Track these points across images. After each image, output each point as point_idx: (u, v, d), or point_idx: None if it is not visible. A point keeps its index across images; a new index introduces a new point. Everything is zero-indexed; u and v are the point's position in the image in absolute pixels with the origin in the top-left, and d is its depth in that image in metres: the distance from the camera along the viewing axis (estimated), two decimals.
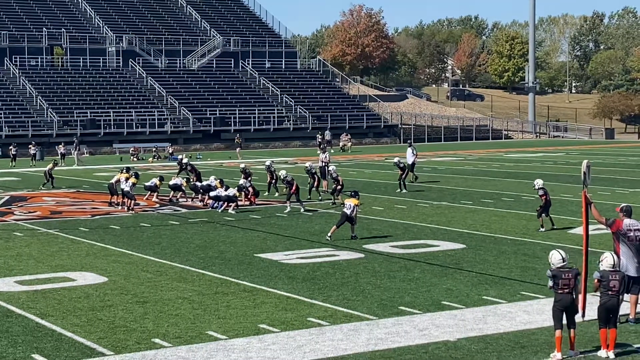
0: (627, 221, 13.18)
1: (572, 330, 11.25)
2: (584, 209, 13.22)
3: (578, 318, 12.27)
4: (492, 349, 11.67)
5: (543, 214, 22.56)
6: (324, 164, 34.26)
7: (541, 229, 22.19)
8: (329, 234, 21.29)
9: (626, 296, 12.91)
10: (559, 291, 11.23)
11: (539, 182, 23.23)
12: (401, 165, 33.36)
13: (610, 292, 11.43)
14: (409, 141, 45.05)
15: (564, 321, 11.22)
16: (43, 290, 15.65)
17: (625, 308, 12.89)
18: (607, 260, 11.68)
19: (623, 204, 13.68)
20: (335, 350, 11.65)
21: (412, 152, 37.70)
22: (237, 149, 59.45)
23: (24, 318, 13.66)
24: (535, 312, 13.46)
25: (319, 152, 62.65)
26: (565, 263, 11.36)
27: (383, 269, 17.33)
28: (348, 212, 21.09)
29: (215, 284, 16.12)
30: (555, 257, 11.41)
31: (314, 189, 31.21)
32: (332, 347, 11.82)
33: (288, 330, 12.67)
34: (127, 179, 28.56)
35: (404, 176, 33.43)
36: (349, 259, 18.52)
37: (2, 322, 13.39)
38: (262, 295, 15.09)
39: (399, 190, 32.56)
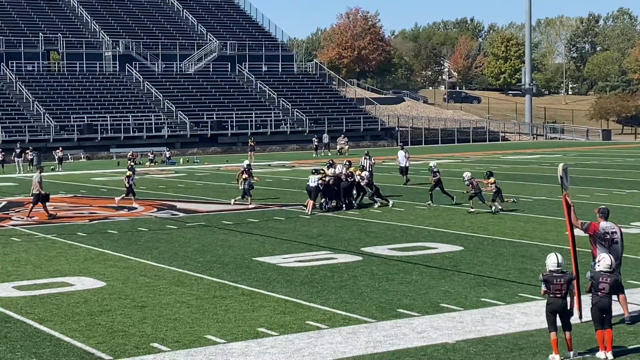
0: (603, 224, 13.15)
1: (567, 332, 11.24)
2: (566, 213, 13.24)
3: (575, 320, 12.30)
4: (491, 350, 11.68)
5: None
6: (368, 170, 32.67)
7: None
8: None
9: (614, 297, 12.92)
10: (551, 295, 11.24)
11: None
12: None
13: (599, 293, 11.43)
14: (400, 144, 44.74)
15: (559, 324, 11.24)
16: (41, 296, 15.64)
17: (618, 309, 12.90)
18: (604, 261, 11.68)
19: (602, 206, 13.66)
20: (334, 353, 11.65)
21: (405, 155, 37.44)
22: (251, 152, 59.83)
23: (22, 323, 13.65)
24: (534, 314, 13.46)
25: (314, 154, 62.48)
26: (559, 268, 11.33)
27: (381, 272, 17.33)
28: None
29: (213, 287, 16.12)
30: (551, 260, 11.39)
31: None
32: (330, 350, 11.82)
33: (287, 334, 12.67)
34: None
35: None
36: (347, 262, 18.52)
37: (1, 328, 13.38)
38: (260, 298, 15.09)
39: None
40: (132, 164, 36.22)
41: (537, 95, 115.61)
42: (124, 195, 30.87)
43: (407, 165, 37.68)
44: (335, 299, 14.94)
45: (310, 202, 27.38)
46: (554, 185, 34.71)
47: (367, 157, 34.32)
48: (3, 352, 12.04)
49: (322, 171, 28.50)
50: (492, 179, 26.76)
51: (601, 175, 39.05)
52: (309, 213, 27.02)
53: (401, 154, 37.58)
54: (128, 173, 31.05)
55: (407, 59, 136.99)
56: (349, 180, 28.27)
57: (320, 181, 27.53)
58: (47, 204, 27.84)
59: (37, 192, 27.62)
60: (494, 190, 26.61)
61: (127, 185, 30.62)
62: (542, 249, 19.34)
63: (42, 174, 28.81)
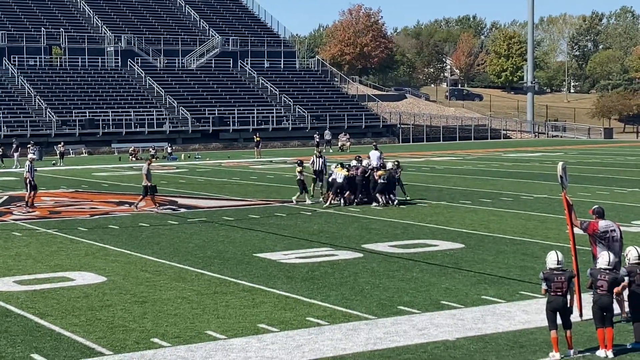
0: (602, 223, 13.15)
1: (567, 330, 11.25)
2: (567, 212, 13.24)
3: (576, 318, 12.30)
4: (491, 348, 11.68)
5: None
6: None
7: None
8: None
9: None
10: (552, 293, 11.24)
11: None
12: None
13: (599, 291, 11.44)
14: (374, 144, 43.77)
15: (559, 321, 11.24)
16: (42, 290, 15.65)
17: (616, 308, 12.90)
18: (602, 259, 11.70)
19: (595, 206, 13.67)
20: (334, 350, 11.66)
21: (379, 156, 36.46)
22: (256, 148, 59.74)
23: (23, 318, 13.67)
24: (534, 312, 13.46)
25: (315, 151, 62.28)
26: (560, 265, 11.34)
27: (382, 269, 17.33)
28: None
29: (214, 283, 16.13)
30: (551, 258, 11.41)
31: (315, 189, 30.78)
32: (331, 346, 11.83)
33: (287, 330, 12.67)
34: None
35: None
36: (347, 259, 18.53)
37: (1, 322, 13.39)
38: (261, 294, 15.10)
39: None
40: (300, 159, 34.81)
41: (539, 93, 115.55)
42: (299, 193, 29.78)
43: (380, 165, 36.77)
44: (336, 295, 14.94)
45: (332, 195, 28.21)
46: (555, 183, 34.69)
47: (320, 157, 32.71)
48: (3, 347, 12.06)
49: (347, 166, 29.28)
50: (380, 172, 28.34)
51: (603, 174, 39.03)
52: (329, 204, 27.92)
53: (374, 154, 36.70)
54: (299, 169, 29.96)
55: (409, 56, 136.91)
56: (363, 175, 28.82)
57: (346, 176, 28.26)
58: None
59: (145, 184, 28.10)
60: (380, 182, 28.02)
61: (303, 179, 29.73)
62: (543, 246, 19.33)
63: (151, 165, 29.21)
